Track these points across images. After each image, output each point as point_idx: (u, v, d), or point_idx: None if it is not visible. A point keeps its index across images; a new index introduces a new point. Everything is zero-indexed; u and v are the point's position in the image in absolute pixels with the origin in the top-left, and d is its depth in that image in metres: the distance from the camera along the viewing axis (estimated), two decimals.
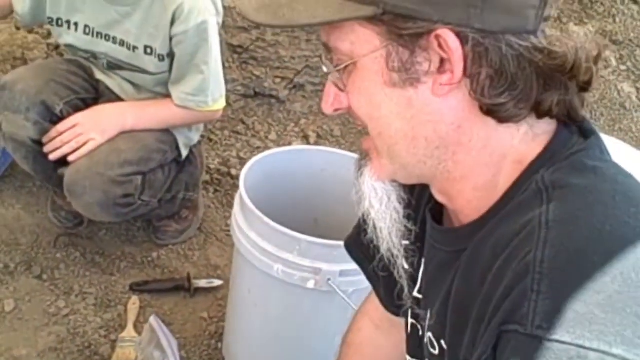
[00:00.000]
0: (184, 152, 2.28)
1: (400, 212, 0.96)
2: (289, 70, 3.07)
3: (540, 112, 0.84)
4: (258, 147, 2.87)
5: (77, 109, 2.11)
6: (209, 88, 2.10)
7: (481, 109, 0.82)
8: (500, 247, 0.80)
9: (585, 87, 0.84)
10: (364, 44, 0.84)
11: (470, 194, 0.89)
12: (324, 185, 2.04)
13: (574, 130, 0.88)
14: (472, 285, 0.83)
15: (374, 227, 0.97)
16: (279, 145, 2.86)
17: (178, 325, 2.20)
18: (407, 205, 0.98)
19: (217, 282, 2.33)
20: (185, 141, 2.28)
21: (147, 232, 2.47)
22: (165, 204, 2.31)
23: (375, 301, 1.28)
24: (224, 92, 2.18)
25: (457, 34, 0.79)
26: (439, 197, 0.94)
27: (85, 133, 2.04)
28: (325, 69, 0.90)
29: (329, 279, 1.73)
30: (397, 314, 1.23)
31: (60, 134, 2.04)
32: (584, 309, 0.70)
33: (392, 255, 1.01)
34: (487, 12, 0.79)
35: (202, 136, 2.65)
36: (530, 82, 0.81)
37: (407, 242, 1.00)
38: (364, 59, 0.85)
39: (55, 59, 2.64)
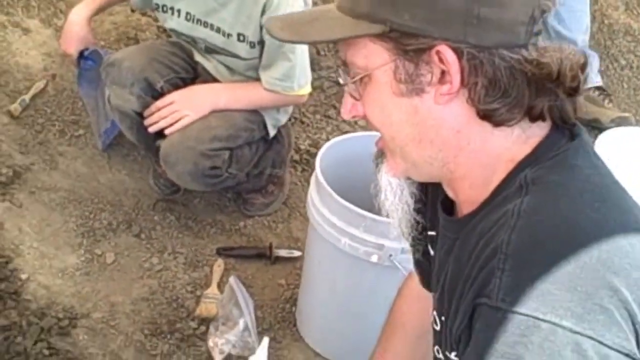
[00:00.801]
0: (272, 132, 2.42)
1: (410, 205, 1.07)
2: None
3: (532, 116, 0.92)
4: (347, 132, 2.93)
5: (176, 87, 2.29)
6: (295, 75, 2.24)
7: (478, 114, 0.91)
8: (482, 234, 0.91)
9: (572, 93, 0.92)
10: (375, 58, 0.93)
11: (467, 191, 0.99)
12: None
13: (565, 133, 0.95)
14: (461, 267, 0.94)
15: (387, 216, 1.09)
16: (366, 131, 2.96)
17: (257, 288, 2.36)
18: (417, 200, 1.08)
19: (297, 253, 2.46)
20: (273, 122, 2.42)
21: (236, 203, 2.61)
22: (252, 179, 2.47)
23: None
24: (309, 79, 2.32)
25: (454, 49, 0.88)
26: (448, 192, 1.04)
27: (180, 110, 2.22)
28: (341, 81, 1.01)
29: (390, 255, 1.85)
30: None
31: (159, 109, 2.23)
32: (540, 286, 0.80)
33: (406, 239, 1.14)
34: (482, 29, 0.87)
35: (295, 118, 2.79)
36: (522, 90, 0.89)
37: (415, 233, 1.12)
38: (376, 71, 0.93)
39: (161, 40, 2.83)
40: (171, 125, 2.23)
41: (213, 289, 2.32)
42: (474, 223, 0.95)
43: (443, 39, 0.88)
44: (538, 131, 0.94)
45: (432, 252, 1.16)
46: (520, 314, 0.80)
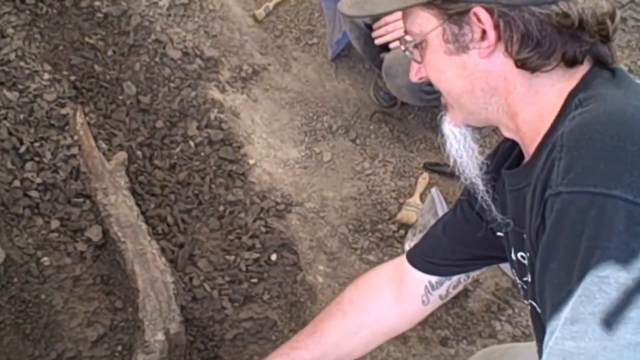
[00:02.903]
0: None
1: (475, 149, 1.13)
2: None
3: (567, 61, 0.98)
4: None
5: None
6: None
7: (516, 64, 0.99)
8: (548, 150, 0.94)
9: (604, 39, 0.99)
10: (426, 24, 1.04)
11: (523, 126, 1.04)
12: None
13: (606, 72, 1.00)
14: (533, 187, 0.96)
15: (455, 162, 1.15)
16: None
17: None
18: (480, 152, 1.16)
19: None
20: None
21: None
22: None
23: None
24: None
25: (487, 10, 0.97)
26: (507, 134, 1.09)
27: None
28: (402, 48, 1.11)
29: None
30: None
31: (387, 24, 2.25)
32: (590, 163, 0.84)
33: (473, 184, 1.16)
34: None
35: None
36: (554, 39, 0.96)
37: (482, 173, 1.15)
38: (428, 36, 1.04)
39: None
40: (396, 40, 2.25)
41: (415, 199, 2.37)
42: (542, 152, 0.97)
43: (477, 2, 0.97)
44: (581, 68, 1.00)
45: (485, 196, 1.18)
46: (575, 192, 0.84)
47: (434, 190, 2.30)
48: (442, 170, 2.48)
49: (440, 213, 2.24)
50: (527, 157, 1.08)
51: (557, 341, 0.83)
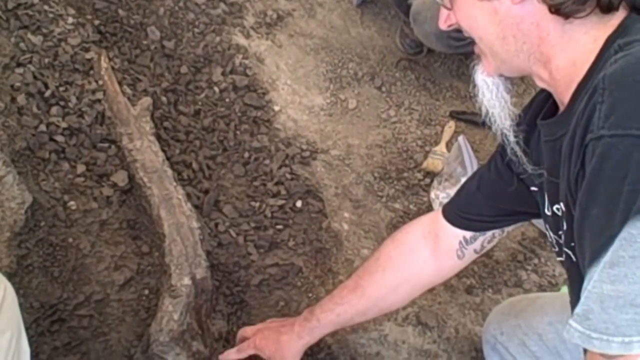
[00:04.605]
0: None
1: (507, 100, 1.10)
2: None
3: (602, 6, 0.93)
4: None
5: None
6: None
7: (550, 10, 0.95)
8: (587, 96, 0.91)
9: None
10: None
11: (556, 73, 1.00)
12: None
13: None
14: (570, 135, 0.93)
15: (487, 112, 1.12)
16: None
17: (483, 153, 2.32)
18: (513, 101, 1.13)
19: None
20: None
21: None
22: None
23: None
24: None
25: None
26: (539, 83, 1.05)
27: None
28: None
29: None
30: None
31: None
32: (632, 106, 0.81)
33: (504, 135, 1.13)
34: None
35: None
36: None
37: (513, 123, 1.12)
38: None
39: None
40: None
41: (441, 147, 2.32)
42: (581, 98, 0.93)
43: None
44: (617, 15, 0.96)
45: (516, 148, 1.15)
46: (618, 135, 0.81)
47: (460, 138, 2.24)
48: (469, 119, 2.42)
49: (467, 161, 2.19)
50: (561, 107, 1.05)
51: (595, 285, 0.82)
